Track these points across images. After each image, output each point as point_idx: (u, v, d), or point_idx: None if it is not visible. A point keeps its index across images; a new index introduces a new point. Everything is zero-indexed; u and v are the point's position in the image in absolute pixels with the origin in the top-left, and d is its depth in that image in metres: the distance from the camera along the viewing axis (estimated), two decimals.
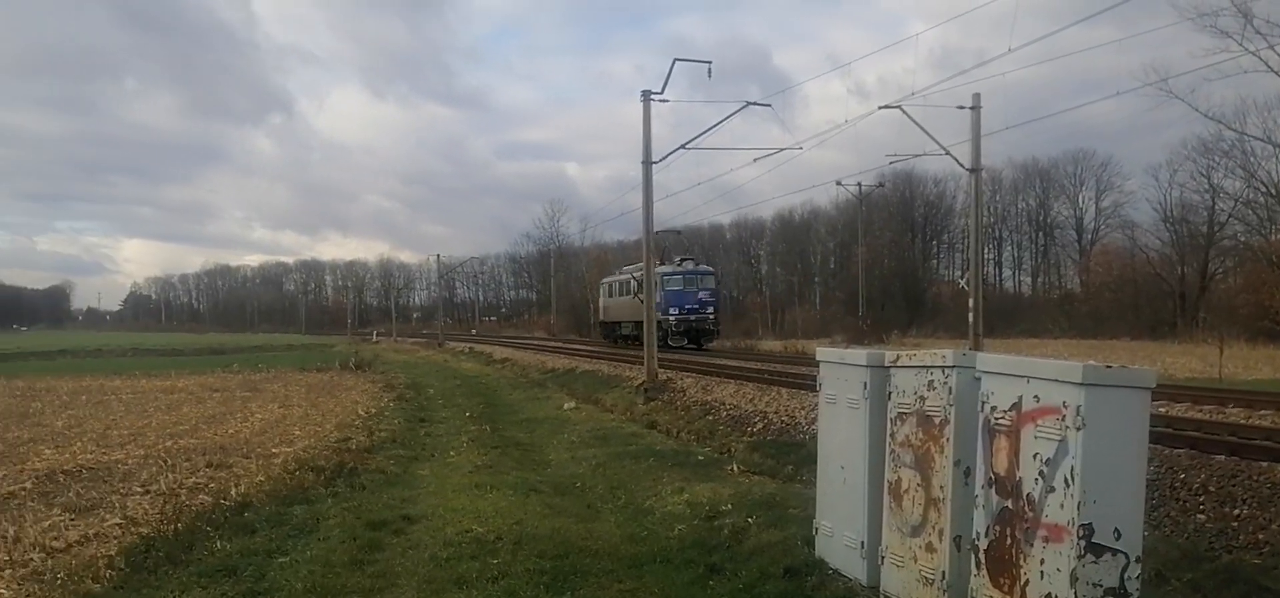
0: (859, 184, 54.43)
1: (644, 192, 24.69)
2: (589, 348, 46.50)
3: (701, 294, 40.52)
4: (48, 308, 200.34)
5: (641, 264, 37.09)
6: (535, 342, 62.84)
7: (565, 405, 22.21)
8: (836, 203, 77.49)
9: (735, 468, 12.46)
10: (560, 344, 54.99)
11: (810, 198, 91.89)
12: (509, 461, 13.82)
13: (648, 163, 24.54)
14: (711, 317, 40.07)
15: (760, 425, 16.44)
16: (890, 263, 73.92)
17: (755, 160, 28.14)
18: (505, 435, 17.03)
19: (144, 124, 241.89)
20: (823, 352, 7.55)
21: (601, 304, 52.25)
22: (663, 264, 40.97)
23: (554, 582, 7.17)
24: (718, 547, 8.12)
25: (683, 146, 26.02)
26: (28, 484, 11.72)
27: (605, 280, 52.98)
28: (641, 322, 44.19)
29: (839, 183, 54.11)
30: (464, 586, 7.12)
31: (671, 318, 39.30)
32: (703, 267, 44.78)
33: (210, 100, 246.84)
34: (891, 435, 6.40)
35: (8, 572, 7.51)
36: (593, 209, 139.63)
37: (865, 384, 6.69)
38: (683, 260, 43.25)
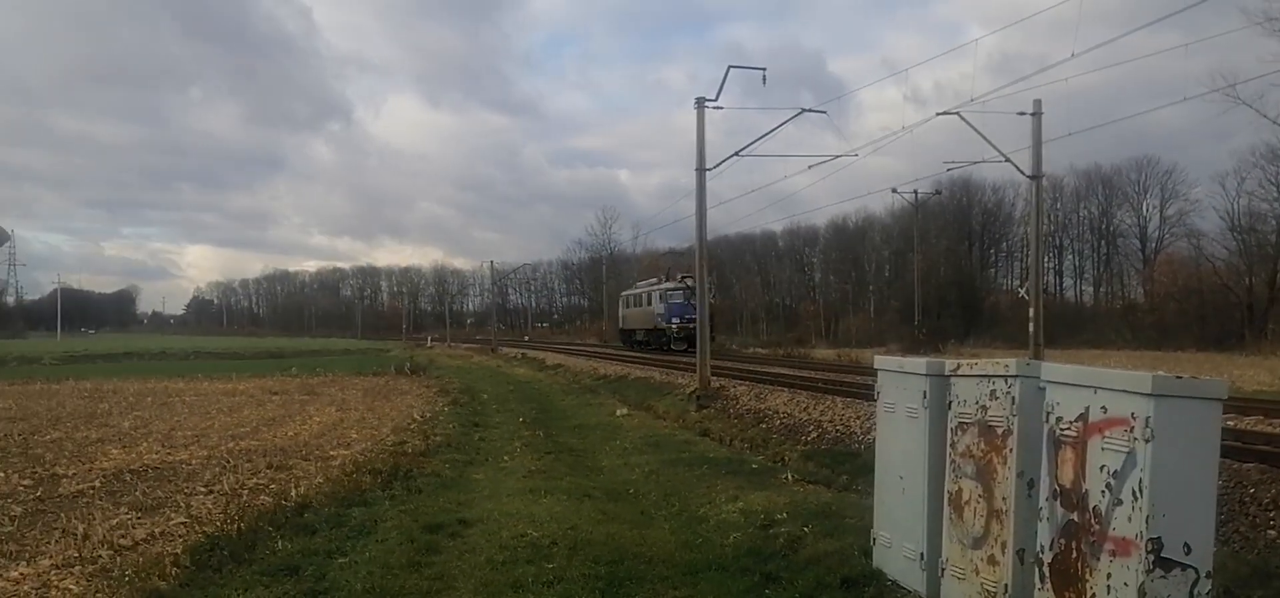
0: (915, 191, 53.83)
1: (697, 199, 24.65)
2: (641, 355, 46.51)
3: (690, 305, 43.96)
4: (115, 311, 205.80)
5: (654, 281, 42.96)
6: (587, 348, 63.06)
7: (618, 412, 22.24)
8: (892, 210, 76.77)
9: (789, 477, 12.36)
10: (612, 351, 55.06)
11: (865, 205, 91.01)
12: (562, 466, 13.87)
13: (701, 170, 24.51)
14: (696, 323, 41.85)
15: (815, 434, 16.31)
16: (947, 271, 72.99)
17: (809, 167, 27.94)
18: (558, 441, 17.09)
19: (208, 132, 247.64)
20: (881, 360, 7.48)
21: (620, 314, 58.91)
22: (666, 281, 48.92)
23: (609, 587, 7.18)
24: (773, 556, 8.06)
25: (737, 153, 25.98)
26: (97, 483, 12.05)
27: (624, 293, 60.08)
28: (653, 328, 49.75)
29: (894, 190, 53.53)
30: (520, 589, 7.16)
31: (674, 325, 46.00)
32: (690, 281, 45.33)
33: (272, 109, 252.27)
34: (952, 446, 6.32)
35: (78, 568, 7.72)
36: (645, 216, 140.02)
37: (925, 393, 6.60)
38: (683, 278, 46.99)
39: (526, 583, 7.28)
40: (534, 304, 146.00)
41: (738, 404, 21.10)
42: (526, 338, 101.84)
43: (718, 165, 25.37)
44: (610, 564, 7.76)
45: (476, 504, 10.45)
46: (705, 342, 25.00)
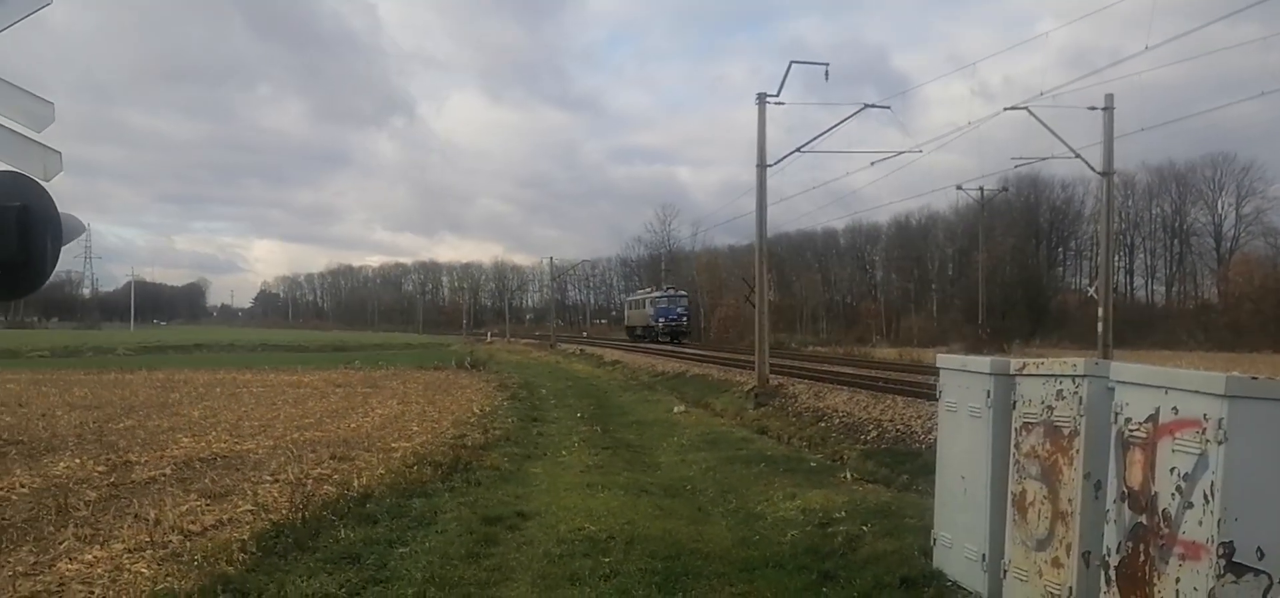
0: (981, 188, 52.87)
1: (758, 195, 24.55)
2: (700, 352, 46.51)
3: (678, 309, 65.93)
4: (185, 304, 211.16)
5: (650, 290, 53.51)
6: (645, 345, 63.13)
7: (675, 409, 22.28)
8: (956, 208, 75.51)
9: (848, 476, 12.29)
10: (671, 348, 55.11)
11: (928, 203, 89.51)
12: (619, 461, 13.94)
13: (762, 166, 24.40)
14: (685, 322, 64.88)
15: (874, 433, 16.17)
16: (1013, 270, 71.73)
17: (872, 164, 27.85)
18: (615, 437, 17.17)
19: (275, 129, 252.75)
20: (944, 358, 7.39)
21: (625, 314, 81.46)
22: (655, 291, 70.24)
23: (666, 582, 7.20)
24: (831, 554, 8.02)
25: (798, 150, 25.90)
26: (168, 470, 12.41)
27: (628, 299, 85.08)
28: (646, 325, 61.84)
29: (959, 187, 52.60)
30: (577, 582, 7.21)
31: (660, 323, 64.36)
32: (680, 293, 70.47)
33: (337, 105, 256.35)
34: (1016, 446, 6.22)
35: (149, 552, 7.96)
36: (704, 213, 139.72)
37: (989, 393, 6.51)
38: (668, 288, 70.27)
39: (583, 576, 7.33)
40: (593, 300, 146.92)
41: (796, 402, 20.99)
42: (585, 334, 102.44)
43: (778, 162, 25.32)
44: (666, 560, 7.78)
45: (534, 498, 10.55)
46: (764, 339, 24.89)
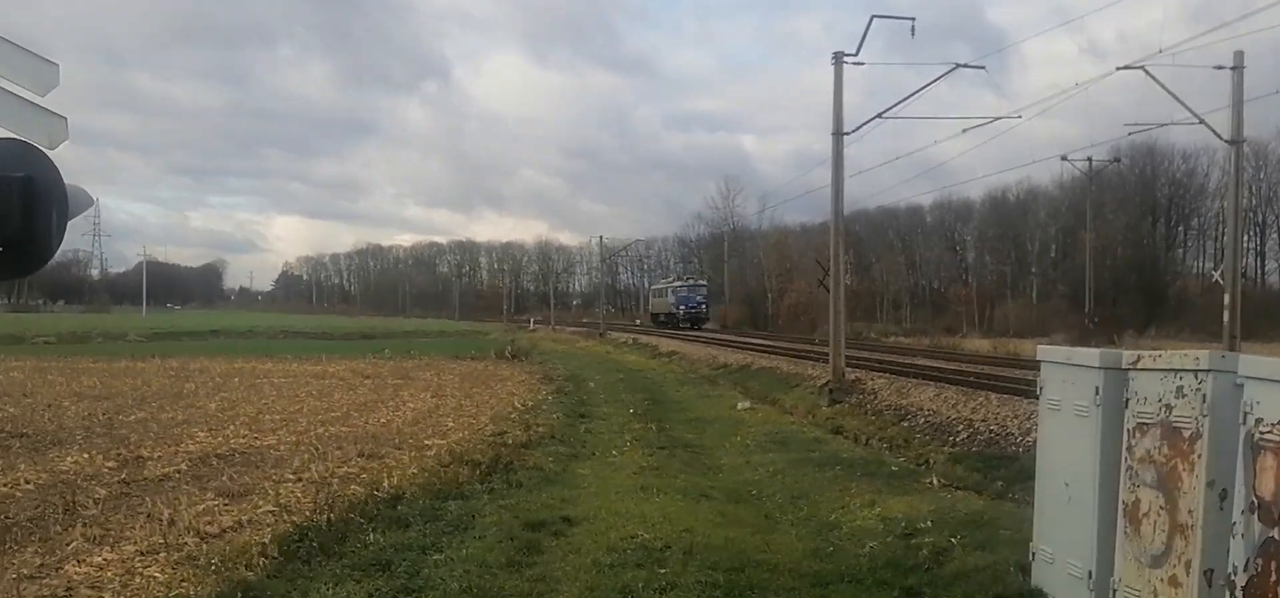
0: (1089, 159, 51.93)
1: (833, 167, 24.38)
2: (767, 342, 46.39)
3: (697, 297, 77.48)
4: (201, 286, 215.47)
5: (674, 280, 66.45)
6: (705, 334, 63.15)
7: (739, 405, 22.27)
8: (1060, 181, 74.16)
9: (935, 481, 12.19)
10: (734, 337, 55.06)
11: (1028, 175, 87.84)
12: (676, 463, 13.97)
13: (838, 134, 24.20)
14: (704, 310, 75.97)
15: (964, 434, 16.02)
16: (1125, 251, 70.24)
17: (964, 131, 27.33)
18: (672, 435, 17.20)
19: (297, 95, 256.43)
20: (1045, 351, 7.28)
21: (650, 302, 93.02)
22: (677, 281, 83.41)
23: (728, 597, 7.21)
24: (915, 569, 7.96)
25: (879, 115, 25.63)
26: (182, 467, 12.73)
27: (652, 287, 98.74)
28: (669, 313, 70.80)
29: (1064, 158, 51.67)
30: (629, 596, 7.25)
31: (682, 310, 75.42)
32: (700, 281, 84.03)
33: (364, 68, 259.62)
34: (1128, 449, 6.12)
35: (163, 555, 8.15)
36: (772, 187, 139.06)
37: (1097, 389, 6.41)
38: (688, 278, 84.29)
39: (636, 589, 7.36)
40: (647, 284, 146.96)
41: (876, 399, 20.87)
42: (638, 322, 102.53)
43: (857, 129, 25.07)
44: (729, 572, 7.78)
45: (582, 502, 10.62)
46: (839, 328, 24.74)
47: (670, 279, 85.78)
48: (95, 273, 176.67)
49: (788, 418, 20.37)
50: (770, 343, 45.45)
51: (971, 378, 22.41)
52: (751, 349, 39.33)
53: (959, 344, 48.91)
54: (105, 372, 30.97)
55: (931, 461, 14.41)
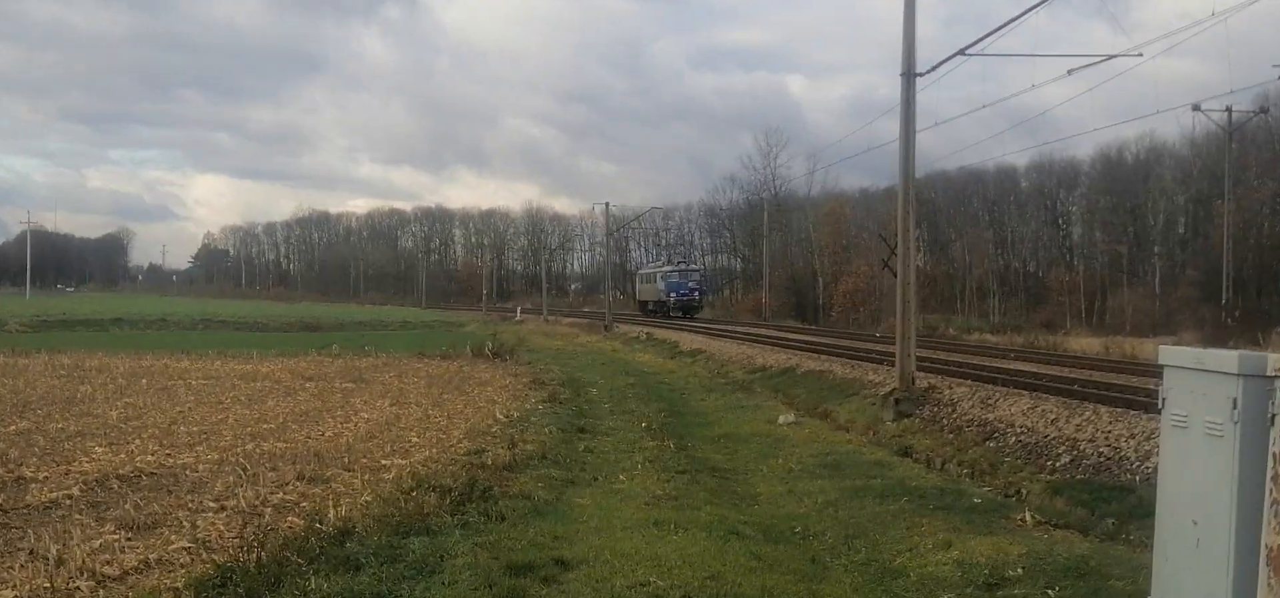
0: (1228, 109, 51.71)
1: (902, 118, 24.25)
2: (817, 339, 46.35)
3: (691, 283, 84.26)
4: (100, 263, 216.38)
5: (666, 265, 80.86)
6: (740, 329, 63.07)
7: (780, 418, 22.23)
8: (1191, 137, 73.81)
9: (1028, 517, 12.15)
10: (775, 333, 55.00)
11: (1151, 129, 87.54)
12: (701, 491, 13.95)
13: (909, 75, 24.08)
14: (697, 298, 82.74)
15: (1067, 458, 15.96)
16: (1274, 227, 69.98)
17: (1070, 73, 27.12)
18: (695, 456, 17.19)
19: (223, 21, 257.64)
20: (1169, 352, 7.24)
21: (638, 288, 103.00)
22: (668, 265, 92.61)
23: None
24: None
25: (961, 52, 25.38)
26: (75, 491, 12.76)
27: (640, 272, 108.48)
28: (659, 301, 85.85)
29: (1197, 107, 51.40)
30: None
31: (672, 298, 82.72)
32: (692, 266, 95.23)
33: None
34: (1274, 479, 6.09)
35: None
36: (825, 142, 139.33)
37: (1235, 402, 6.36)
38: (680, 263, 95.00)
39: None
40: (666, 264, 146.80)
41: (954, 413, 20.81)
42: (651, 307, 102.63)
43: (934, 69, 24.89)
44: None
45: (580, 540, 10.61)
46: (910, 322, 24.67)
47: (660, 263, 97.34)
48: None
49: (842, 435, 20.31)
50: (820, 340, 45.38)
51: (1076, 387, 22.32)
52: (797, 348, 39.28)
53: (1061, 343, 48.71)
54: None
55: (1024, 491, 14.35)
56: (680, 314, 79.57)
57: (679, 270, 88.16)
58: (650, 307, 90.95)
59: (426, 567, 9.37)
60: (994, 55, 26.35)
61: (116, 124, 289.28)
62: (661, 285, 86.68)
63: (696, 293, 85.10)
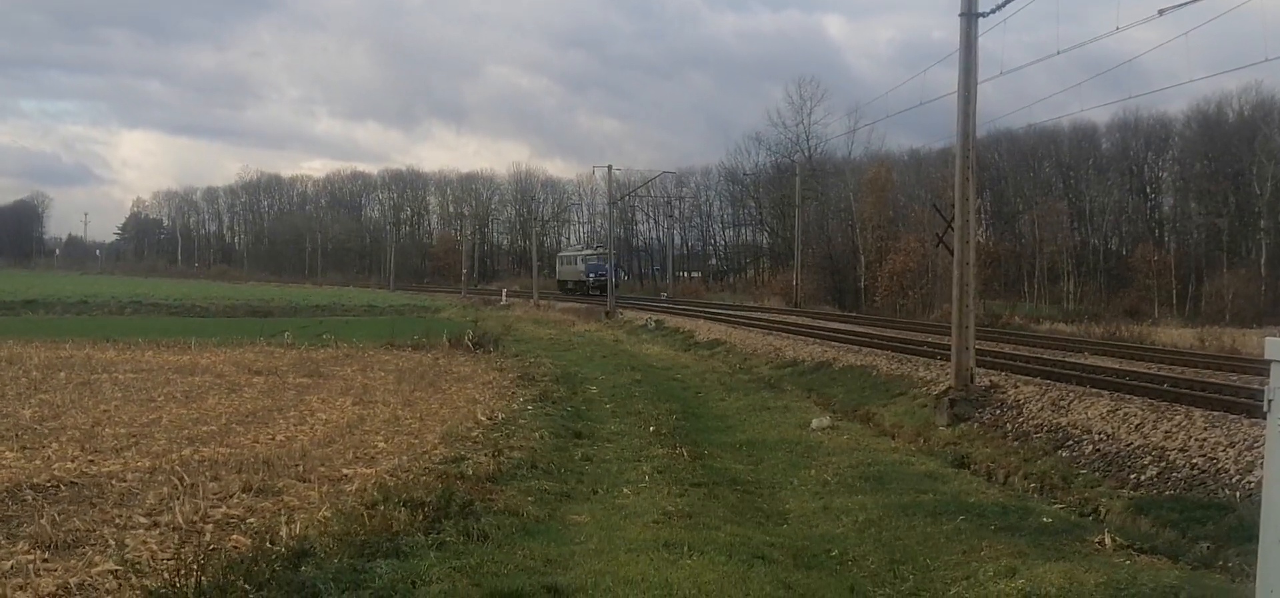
0: None
1: (960, 67, 24.21)
2: (858, 328, 46.34)
3: (605, 266, 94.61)
4: (9, 235, 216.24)
5: (585, 249, 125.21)
6: (766, 315, 63.11)
7: (814, 422, 22.23)
8: None
9: (1107, 540, 12.16)
10: (808, 321, 54.99)
11: (1257, 81, 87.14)
12: (720, 507, 13.98)
13: (970, 16, 24.05)
14: (609, 278, 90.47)
15: (1153, 470, 15.95)
16: None
17: (1161, 13, 27.06)
18: (713, 466, 17.21)
19: None
20: (1276, 346, 7.24)
21: (558, 269, 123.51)
22: (588, 249, 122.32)
23: None
24: None
25: None
26: None
27: (561, 254, 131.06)
28: (578, 281, 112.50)
29: None
30: None
31: (591, 278, 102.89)
32: (603, 250, 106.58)
33: None
34: None
35: None
36: (868, 95, 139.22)
37: None
38: (595, 248, 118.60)
39: None
40: (679, 240, 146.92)
41: (1020, 416, 20.80)
42: (664, 295, 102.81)
43: (999, 8, 24.84)
44: None
45: (577, 564, 10.64)
46: (967, 309, 24.64)
47: (579, 247, 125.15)
48: None
49: (887, 442, 20.33)
50: (862, 329, 45.39)
51: (1166, 386, 22.33)
52: (834, 338, 39.28)
53: (1148, 334, 48.75)
54: None
55: (1102, 509, 14.35)
56: (597, 292, 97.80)
57: (598, 254, 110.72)
58: (570, 285, 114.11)
59: (395, 594, 9.41)
60: None
61: (27, 69, 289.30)
62: (582, 266, 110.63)
63: (607, 275, 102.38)
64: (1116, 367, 27.68)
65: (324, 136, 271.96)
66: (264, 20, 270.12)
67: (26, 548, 10.75)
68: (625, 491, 14.72)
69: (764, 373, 33.29)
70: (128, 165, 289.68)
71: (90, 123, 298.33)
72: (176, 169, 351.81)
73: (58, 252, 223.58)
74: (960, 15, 24.04)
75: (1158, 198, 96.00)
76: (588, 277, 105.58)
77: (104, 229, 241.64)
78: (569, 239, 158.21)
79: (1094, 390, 21.92)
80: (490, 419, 20.92)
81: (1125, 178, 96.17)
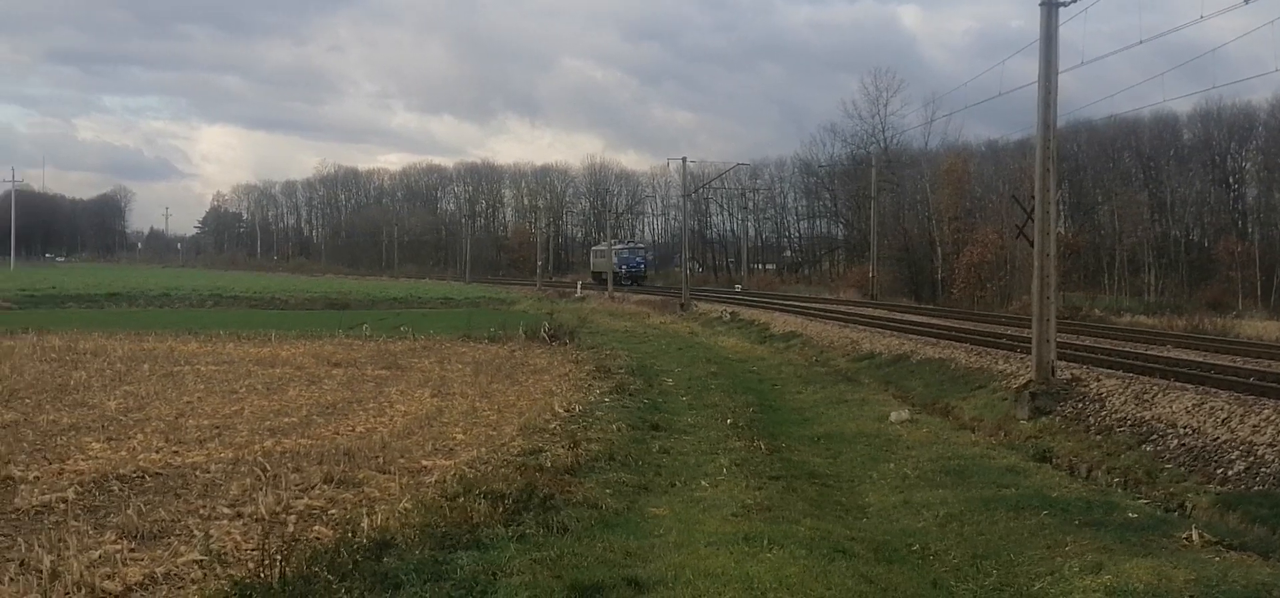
0: None
1: (1041, 57, 24.00)
2: (935, 321, 46.05)
3: (638, 258, 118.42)
4: (94, 228, 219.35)
5: (616, 242, 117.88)
6: (841, 307, 62.80)
7: (892, 415, 22.11)
8: None
9: (1195, 536, 11.98)
10: (884, 313, 54.71)
11: None
12: (799, 500, 13.92)
13: (1051, 4, 23.83)
14: (643, 271, 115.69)
15: (1241, 465, 15.76)
16: None
17: (1247, 1, 26.69)
18: (791, 459, 17.17)
19: None
20: None
21: (592, 262, 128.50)
22: (619, 244, 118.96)
23: None
24: None
25: None
26: (70, 494, 12.98)
27: (594, 248, 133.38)
28: (616, 271, 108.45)
29: None
30: None
31: (624, 270, 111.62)
32: (639, 243, 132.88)
33: None
34: None
35: None
36: (945, 86, 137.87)
37: None
38: (629, 241, 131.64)
39: None
40: (753, 233, 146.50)
41: (1102, 409, 20.60)
42: (739, 287, 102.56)
43: None
44: None
45: (657, 557, 10.62)
46: (1048, 302, 24.42)
47: (612, 241, 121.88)
48: None
49: (966, 436, 20.16)
50: (939, 322, 45.05)
51: (1252, 379, 22.04)
52: (911, 330, 39.06)
53: (1233, 327, 48.09)
54: None
55: (1189, 505, 14.17)
56: (629, 283, 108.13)
57: (629, 247, 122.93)
58: (604, 277, 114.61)
59: (477, 586, 9.43)
60: None
61: (110, 66, 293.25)
62: (615, 259, 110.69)
63: (642, 265, 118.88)
64: (1200, 360, 27.34)
65: (400, 130, 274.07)
66: (341, 14, 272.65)
67: (114, 538, 10.90)
68: (703, 483, 14.69)
69: (841, 366, 33.16)
70: (207, 160, 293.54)
71: (171, 118, 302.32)
72: (255, 163, 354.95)
73: (140, 245, 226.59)
74: (1041, 4, 23.86)
75: (1241, 188, 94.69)
76: (620, 268, 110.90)
77: (185, 223, 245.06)
78: (643, 231, 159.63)
79: (1178, 384, 21.67)
80: (567, 411, 20.99)
81: (1208, 168, 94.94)
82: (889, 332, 39.49)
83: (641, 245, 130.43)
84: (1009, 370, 25.67)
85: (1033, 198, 24.92)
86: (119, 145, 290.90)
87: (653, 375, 29.00)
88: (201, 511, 12.13)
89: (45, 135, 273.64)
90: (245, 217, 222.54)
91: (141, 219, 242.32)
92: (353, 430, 18.43)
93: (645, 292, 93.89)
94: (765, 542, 11.22)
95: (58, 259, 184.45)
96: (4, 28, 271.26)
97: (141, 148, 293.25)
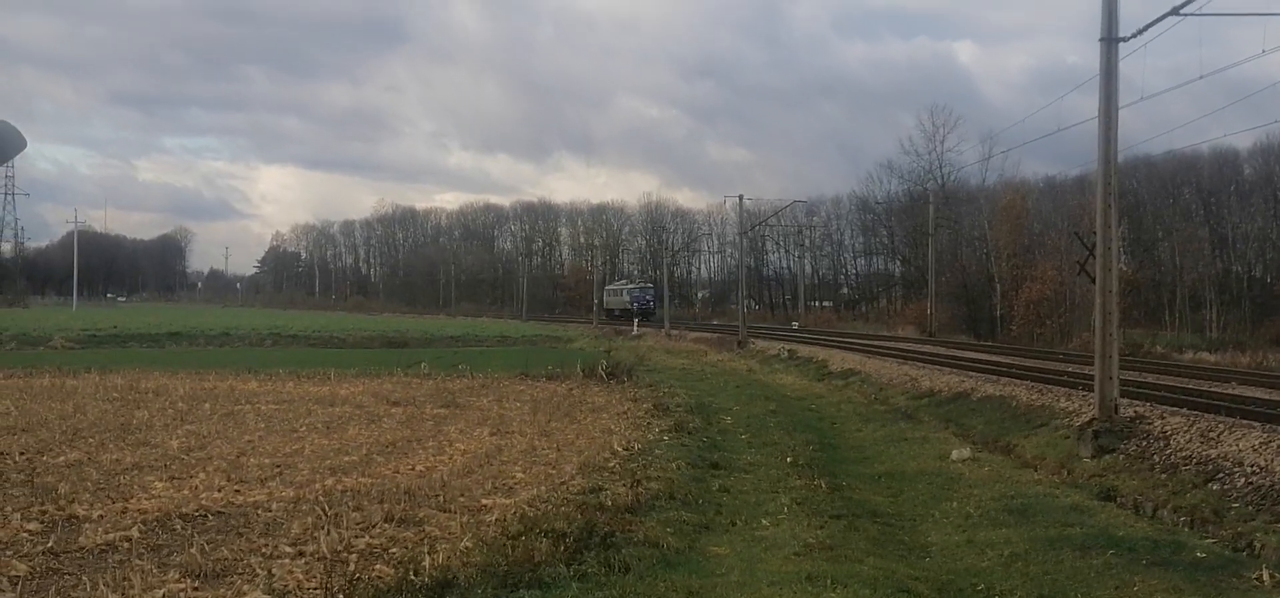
0: None
1: (1101, 92, 23.83)
2: (995, 358, 45.78)
3: (648, 296, 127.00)
4: (155, 268, 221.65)
5: (630, 282, 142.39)
6: (899, 344, 62.58)
7: (953, 453, 21.98)
8: None
9: (1265, 576, 11.87)
10: (943, 350, 54.45)
11: None
12: (861, 539, 13.86)
13: (1110, 41, 23.69)
14: (652, 307, 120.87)
15: None
16: None
17: None
18: (852, 498, 17.09)
19: None
20: None
21: (605, 300, 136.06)
22: (630, 284, 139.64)
23: None
24: None
25: (1174, 11, 24.92)
26: (134, 533, 13.08)
27: (608, 287, 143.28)
28: (628, 308, 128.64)
29: None
30: None
31: (635, 306, 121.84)
32: (648, 284, 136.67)
33: None
34: None
35: None
36: (1003, 123, 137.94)
37: None
38: (639, 281, 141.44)
39: None
40: (810, 270, 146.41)
41: (1167, 447, 20.38)
42: (796, 325, 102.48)
43: (1141, 33, 24.38)
44: None
45: (720, 595, 10.59)
46: (1111, 338, 24.20)
47: (626, 281, 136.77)
48: (6, 247, 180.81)
49: (1029, 474, 20.02)
50: (999, 359, 44.79)
51: None
52: (970, 368, 38.84)
53: None
54: (22, 391, 32.07)
55: (1258, 544, 13.97)
56: (640, 318, 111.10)
57: (639, 287, 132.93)
58: (616, 313, 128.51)
59: None
60: (1214, 14, 25.85)
61: (171, 108, 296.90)
62: (627, 297, 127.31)
63: (651, 302, 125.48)
64: (1266, 397, 27.07)
65: (456, 169, 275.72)
66: (397, 55, 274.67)
67: (177, 577, 10.97)
68: (764, 522, 14.66)
69: (900, 403, 32.98)
70: (266, 200, 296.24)
71: (230, 159, 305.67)
72: (313, 203, 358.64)
73: (200, 284, 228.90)
74: (1101, 40, 23.69)
75: None
76: (632, 305, 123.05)
77: (244, 263, 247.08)
78: (700, 270, 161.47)
79: (1244, 422, 21.41)
80: (626, 449, 20.98)
81: (1269, 204, 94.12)
82: (948, 369, 39.29)
83: (649, 286, 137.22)
84: (1071, 408, 25.45)
85: (1094, 233, 24.77)
86: (179, 186, 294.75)
87: (711, 413, 28.96)
88: (263, 549, 12.20)
89: (107, 176, 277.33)
90: (304, 256, 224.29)
91: (201, 259, 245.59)
92: (412, 469, 18.47)
93: (701, 329, 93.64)
94: (829, 582, 11.18)
95: (119, 299, 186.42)
96: (67, 71, 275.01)
97: (201, 188, 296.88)
